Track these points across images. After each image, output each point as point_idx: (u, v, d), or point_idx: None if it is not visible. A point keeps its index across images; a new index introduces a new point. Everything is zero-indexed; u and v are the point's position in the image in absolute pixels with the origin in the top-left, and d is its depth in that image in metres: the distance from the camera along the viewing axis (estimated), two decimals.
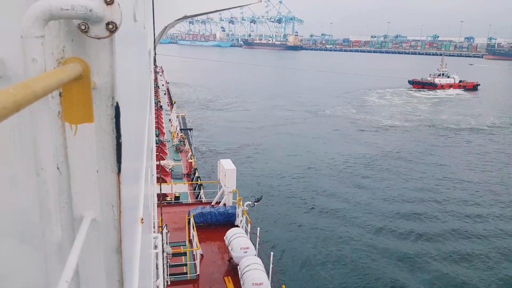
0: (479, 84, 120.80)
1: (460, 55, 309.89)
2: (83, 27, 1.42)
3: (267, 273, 13.62)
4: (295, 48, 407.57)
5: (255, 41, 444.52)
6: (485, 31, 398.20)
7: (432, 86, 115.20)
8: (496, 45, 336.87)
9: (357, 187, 35.40)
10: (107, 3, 1.42)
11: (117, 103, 1.65)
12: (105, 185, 1.69)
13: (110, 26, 1.44)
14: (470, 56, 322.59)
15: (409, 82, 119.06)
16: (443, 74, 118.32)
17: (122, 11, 1.47)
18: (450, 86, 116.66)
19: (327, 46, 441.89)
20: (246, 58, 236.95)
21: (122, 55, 1.93)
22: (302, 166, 40.42)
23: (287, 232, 26.50)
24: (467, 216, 30.35)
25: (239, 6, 19.01)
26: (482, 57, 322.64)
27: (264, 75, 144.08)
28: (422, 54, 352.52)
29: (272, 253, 14.60)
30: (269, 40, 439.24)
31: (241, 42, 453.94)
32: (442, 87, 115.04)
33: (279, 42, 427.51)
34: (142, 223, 3.10)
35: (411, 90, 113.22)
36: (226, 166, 20.41)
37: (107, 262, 1.77)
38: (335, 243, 25.56)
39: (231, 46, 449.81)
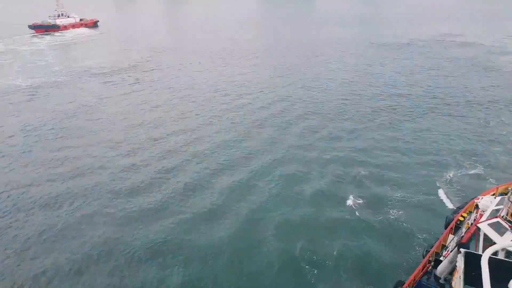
0: (99, 21, 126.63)
1: None
2: None
3: None
4: None
5: None
6: None
7: (55, 28, 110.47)
8: None
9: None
10: None
11: None
12: None
13: None
14: None
15: (30, 27, 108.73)
16: (62, 15, 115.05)
17: None
18: (73, 26, 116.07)
19: None
20: None
21: None
22: None
23: None
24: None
25: None
26: None
27: None
28: None
29: None
30: None
31: None
32: (65, 28, 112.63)
33: None
34: None
35: (35, 37, 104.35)
36: None
37: None
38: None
39: None
